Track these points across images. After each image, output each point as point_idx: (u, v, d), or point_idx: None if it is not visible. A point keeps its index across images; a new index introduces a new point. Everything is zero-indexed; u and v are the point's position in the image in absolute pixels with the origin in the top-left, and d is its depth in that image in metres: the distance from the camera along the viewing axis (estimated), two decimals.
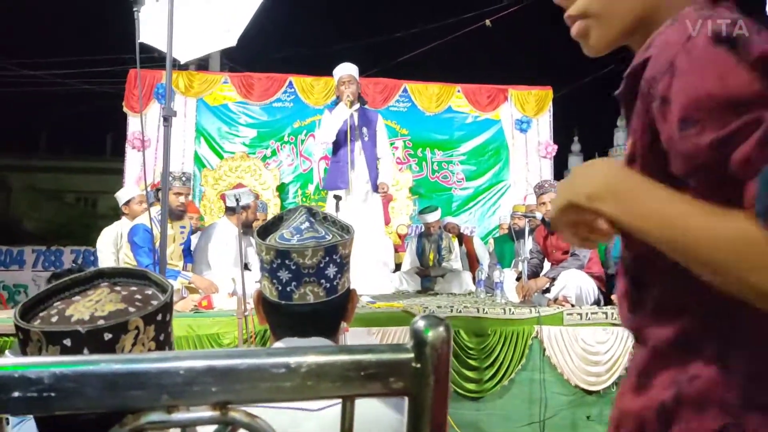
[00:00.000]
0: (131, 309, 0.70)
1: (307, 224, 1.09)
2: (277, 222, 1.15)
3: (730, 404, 0.58)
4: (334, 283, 1.06)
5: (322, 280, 1.04)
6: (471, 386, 3.45)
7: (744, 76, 0.55)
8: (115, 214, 4.84)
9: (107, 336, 0.66)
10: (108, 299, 0.71)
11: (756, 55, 0.56)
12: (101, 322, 0.67)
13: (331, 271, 1.05)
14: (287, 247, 1.03)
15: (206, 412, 0.44)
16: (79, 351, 0.64)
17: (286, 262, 1.03)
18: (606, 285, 4.01)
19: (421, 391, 0.47)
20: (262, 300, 1.11)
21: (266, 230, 1.13)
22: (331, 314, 1.09)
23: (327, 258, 1.04)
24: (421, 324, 0.47)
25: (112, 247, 4.42)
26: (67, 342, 0.65)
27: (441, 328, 0.47)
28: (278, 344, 1.08)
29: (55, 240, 12.50)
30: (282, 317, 1.07)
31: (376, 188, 4.50)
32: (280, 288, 1.05)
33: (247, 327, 3.03)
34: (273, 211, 6.44)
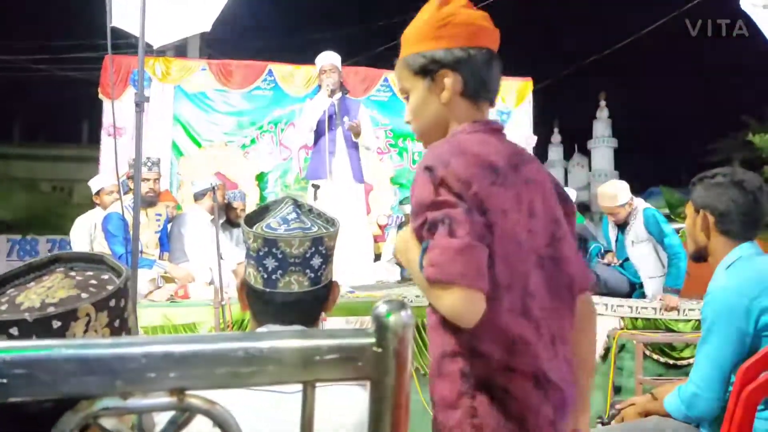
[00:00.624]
0: (84, 295, 0.68)
1: (294, 215, 1.12)
2: (263, 212, 1.17)
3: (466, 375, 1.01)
4: (318, 274, 1.09)
5: (307, 270, 1.07)
6: None
7: (428, 190, 0.99)
8: (91, 202, 4.76)
9: (56, 324, 0.64)
10: (61, 285, 0.69)
11: (437, 179, 0.98)
12: (51, 309, 0.65)
13: (317, 261, 1.08)
14: (275, 236, 1.06)
15: (163, 399, 0.43)
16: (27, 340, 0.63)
17: (273, 250, 1.06)
18: None
19: (383, 376, 0.46)
20: (246, 287, 1.12)
21: (252, 219, 1.14)
22: (313, 303, 1.11)
23: (313, 249, 1.07)
24: (382, 309, 0.47)
25: (86, 236, 4.35)
26: (14, 331, 0.63)
27: (403, 313, 0.47)
28: (260, 330, 1.09)
29: (30, 229, 12.29)
30: (266, 305, 1.09)
31: (357, 178, 4.48)
32: (265, 276, 1.07)
33: (224, 316, 3.02)
34: (252, 200, 6.38)
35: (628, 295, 3.83)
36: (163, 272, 3.71)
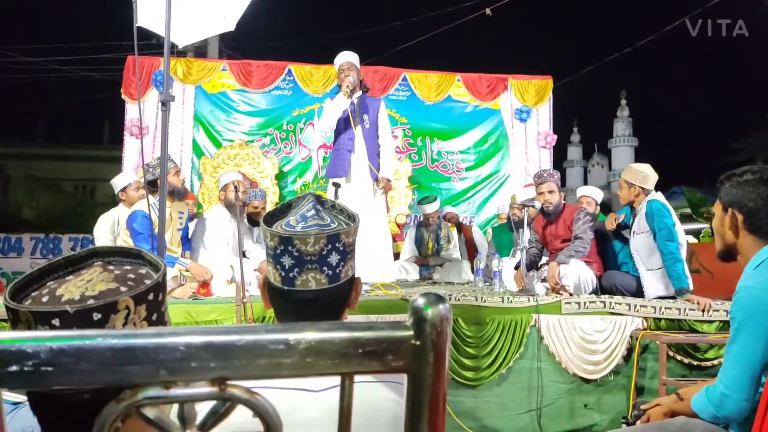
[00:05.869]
0: (123, 288, 0.68)
1: (313, 212, 1.11)
2: (285, 209, 1.16)
3: None
4: (337, 271, 1.07)
5: (324, 267, 1.05)
6: (469, 374, 3.47)
7: None
8: (113, 201, 4.83)
9: (96, 316, 0.65)
10: (100, 278, 0.69)
11: None
12: (91, 301, 0.66)
13: (334, 258, 1.06)
14: (290, 234, 1.04)
15: (204, 388, 0.44)
16: None
17: (289, 248, 1.04)
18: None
19: (421, 369, 0.46)
20: (267, 286, 1.12)
21: (273, 217, 1.14)
22: (334, 301, 1.09)
23: (330, 245, 1.05)
24: (420, 301, 0.47)
25: (109, 234, 4.42)
26: (56, 322, 0.64)
27: (441, 306, 0.47)
28: None
29: (53, 228, 12.49)
30: (285, 303, 1.08)
31: (376, 178, 4.47)
32: (283, 274, 1.06)
33: (246, 314, 3.03)
34: (272, 199, 6.43)
35: (641, 293, 3.78)
36: (184, 269, 3.75)
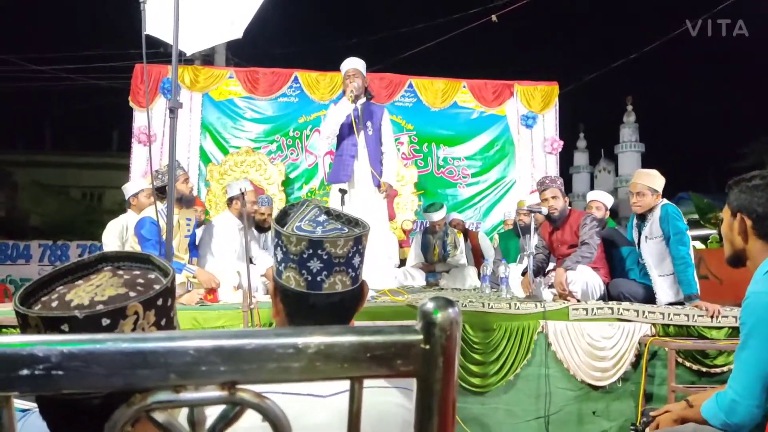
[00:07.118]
0: (132, 294, 0.68)
1: (324, 216, 1.12)
2: (283, 216, 1.15)
3: None
4: (358, 272, 1.10)
5: (350, 269, 1.07)
6: (476, 381, 3.45)
7: None
8: (120, 208, 4.86)
9: (105, 321, 0.65)
10: (109, 283, 0.69)
11: None
12: (100, 307, 0.66)
13: (357, 260, 1.09)
14: (320, 237, 1.05)
15: (214, 392, 0.44)
16: None
17: (319, 251, 1.04)
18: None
19: (430, 373, 0.46)
20: (281, 292, 1.10)
21: (279, 224, 1.12)
22: (352, 302, 1.11)
23: (355, 248, 1.07)
24: (430, 305, 0.46)
25: (117, 240, 4.44)
26: (65, 327, 0.64)
27: (450, 310, 0.46)
28: None
29: (61, 235, 12.57)
30: (307, 308, 1.07)
31: (379, 183, 4.47)
32: (309, 278, 1.05)
33: (253, 320, 3.04)
34: (278, 205, 6.44)
35: (649, 302, 3.76)
36: (192, 276, 3.76)
